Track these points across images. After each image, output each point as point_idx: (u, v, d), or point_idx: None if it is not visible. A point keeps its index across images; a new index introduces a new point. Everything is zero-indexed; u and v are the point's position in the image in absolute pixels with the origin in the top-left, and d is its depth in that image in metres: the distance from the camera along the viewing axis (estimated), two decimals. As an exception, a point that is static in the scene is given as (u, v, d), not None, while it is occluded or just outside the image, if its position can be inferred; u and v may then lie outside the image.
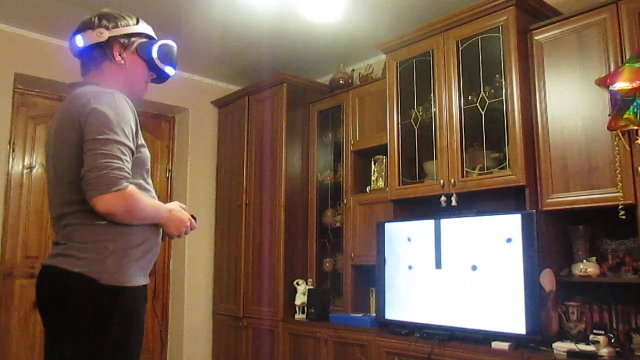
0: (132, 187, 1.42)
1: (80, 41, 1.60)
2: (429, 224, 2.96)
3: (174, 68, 1.73)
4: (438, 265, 2.87)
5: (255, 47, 3.91)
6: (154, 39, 1.71)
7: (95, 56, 1.61)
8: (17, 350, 3.59)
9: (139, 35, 1.66)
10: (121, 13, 1.66)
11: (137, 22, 1.67)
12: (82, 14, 1.67)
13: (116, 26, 1.61)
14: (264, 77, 4.13)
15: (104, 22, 1.60)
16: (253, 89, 4.22)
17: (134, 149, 1.49)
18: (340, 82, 3.96)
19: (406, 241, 3.07)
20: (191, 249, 4.32)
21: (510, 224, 2.58)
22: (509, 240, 2.58)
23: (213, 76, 4.56)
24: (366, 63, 4.06)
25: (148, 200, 1.52)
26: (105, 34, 1.58)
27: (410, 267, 3.01)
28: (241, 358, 3.96)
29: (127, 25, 1.63)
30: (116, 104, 1.46)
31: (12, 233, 3.66)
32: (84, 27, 1.61)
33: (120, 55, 1.61)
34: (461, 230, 2.81)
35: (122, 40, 1.61)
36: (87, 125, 1.42)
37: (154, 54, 1.65)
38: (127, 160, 1.43)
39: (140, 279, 1.52)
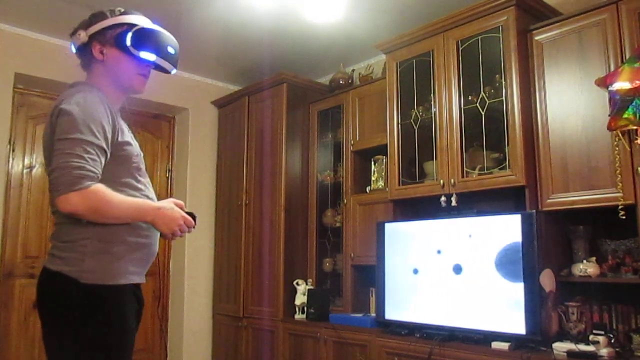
0: (97, 186, 1.39)
1: (72, 48, 1.63)
2: (429, 224, 2.96)
3: (155, 53, 1.61)
4: (438, 265, 2.87)
5: (255, 47, 3.91)
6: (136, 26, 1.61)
7: (83, 59, 1.62)
8: (17, 349, 3.58)
9: (116, 27, 1.58)
10: (104, 9, 1.62)
11: (120, 14, 1.61)
12: (83, 14, 1.66)
13: (90, 24, 1.59)
14: (264, 77, 4.12)
15: (82, 23, 1.61)
16: (253, 89, 4.22)
17: (105, 147, 1.45)
18: (341, 82, 3.96)
19: (406, 241, 3.07)
20: (191, 249, 4.32)
21: (511, 224, 2.59)
22: (508, 240, 2.58)
23: (213, 76, 4.56)
24: (366, 63, 4.06)
25: (122, 199, 1.47)
26: (83, 35, 1.58)
27: (410, 268, 3.01)
28: (241, 358, 3.96)
29: (102, 20, 1.59)
30: (86, 103, 1.45)
31: (12, 233, 3.66)
32: (72, 33, 1.62)
33: (101, 52, 1.59)
34: (461, 230, 2.81)
35: (98, 37, 1.58)
36: (57, 126, 1.43)
37: (128, 42, 1.57)
38: (92, 159, 1.39)
39: (130, 277, 1.51)
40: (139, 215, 1.51)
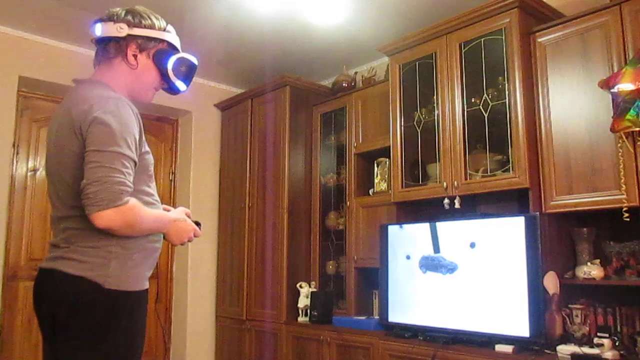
0: (133, 201, 1.37)
1: (98, 30, 1.55)
2: (432, 226, 2.96)
3: (187, 84, 1.65)
4: (442, 268, 2.87)
5: (258, 49, 3.92)
6: (177, 49, 1.63)
7: (109, 50, 1.55)
8: (21, 352, 3.59)
9: (161, 41, 1.59)
10: (151, 14, 1.60)
11: (165, 28, 1.61)
12: (86, 18, 1.67)
13: (139, 25, 1.55)
14: (266, 80, 4.13)
15: (129, 17, 1.54)
16: (256, 91, 4.22)
17: (136, 159, 1.44)
18: (343, 84, 3.96)
19: (409, 244, 3.06)
20: (194, 251, 4.32)
21: (514, 227, 2.58)
22: (512, 243, 2.58)
23: (216, 79, 4.57)
24: (369, 65, 4.06)
25: (150, 212, 1.47)
26: (125, 31, 1.53)
27: (413, 270, 3.01)
28: (244, 361, 3.96)
29: (151, 27, 1.57)
30: (120, 113, 1.41)
31: (16, 235, 3.67)
32: (108, 17, 1.55)
33: (134, 56, 1.55)
34: (464, 232, 2.81)
35: (139, 42, 1.55)
36: (89, 135, 1.37)
37: (169, 65, 1.59)
38: (129, 173, 1.38)
39: (143, 283, 1.51)
40: (158, 227, 1.53)
